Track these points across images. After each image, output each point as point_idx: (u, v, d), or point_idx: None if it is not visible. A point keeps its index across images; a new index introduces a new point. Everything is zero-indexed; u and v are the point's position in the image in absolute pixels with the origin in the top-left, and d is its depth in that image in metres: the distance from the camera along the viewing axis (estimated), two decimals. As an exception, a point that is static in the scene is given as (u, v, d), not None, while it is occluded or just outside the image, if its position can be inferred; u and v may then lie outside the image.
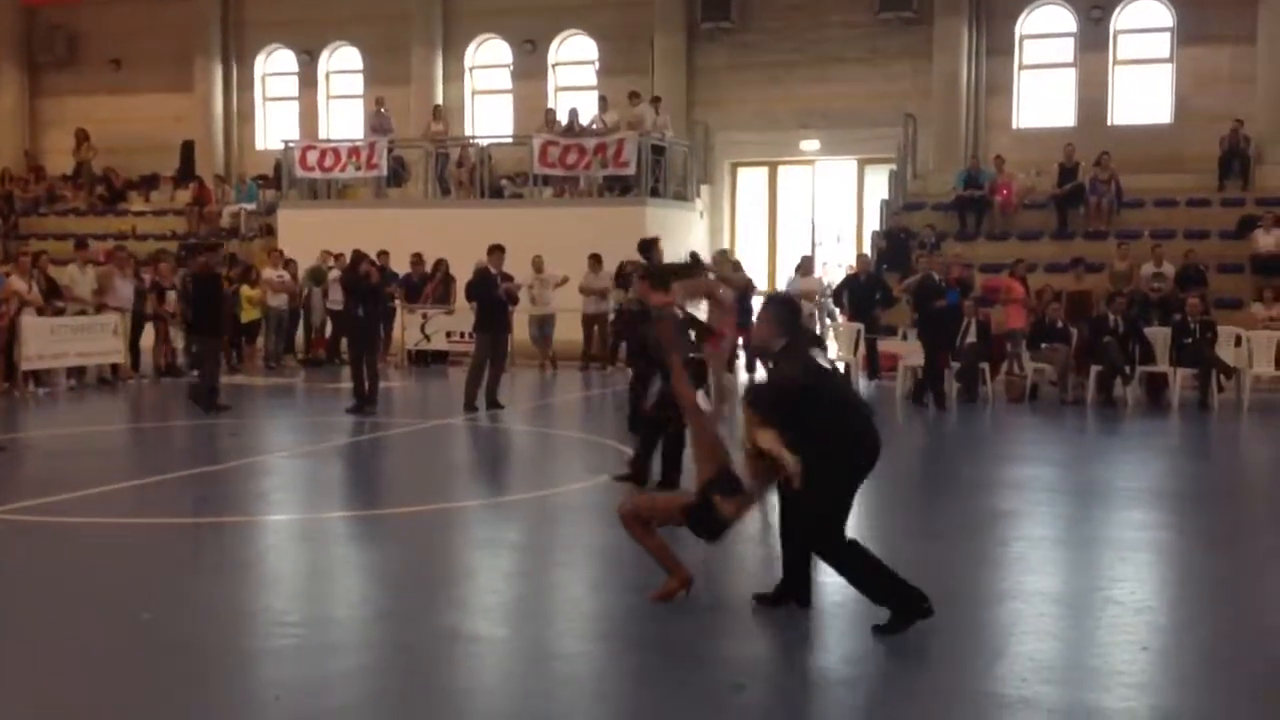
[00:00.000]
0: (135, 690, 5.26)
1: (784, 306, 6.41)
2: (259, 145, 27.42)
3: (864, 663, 5.76)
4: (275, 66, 27.68)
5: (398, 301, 20.68)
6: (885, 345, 17.86)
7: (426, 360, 20.85)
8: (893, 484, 10.93)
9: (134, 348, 18.02)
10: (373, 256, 15.09)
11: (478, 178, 23.10)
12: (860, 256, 20.01)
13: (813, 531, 6.14)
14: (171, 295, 18.49)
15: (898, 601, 6.00)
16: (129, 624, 6.25)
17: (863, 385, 17.67)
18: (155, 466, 11.02)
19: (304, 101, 27.15)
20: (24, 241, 24.06)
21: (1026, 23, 23.02)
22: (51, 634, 6.10)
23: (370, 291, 14.34)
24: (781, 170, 24.76)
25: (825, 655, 5.77)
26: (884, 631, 5.94)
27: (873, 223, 22.87)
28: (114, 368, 17.47)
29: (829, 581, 7.10)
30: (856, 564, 6.10)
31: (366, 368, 14.25)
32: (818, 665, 5.60)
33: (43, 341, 16.29)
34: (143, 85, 27.53)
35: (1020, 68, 23.08)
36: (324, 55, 27.02)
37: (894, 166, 22.66)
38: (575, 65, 25.59)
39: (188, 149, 27.34)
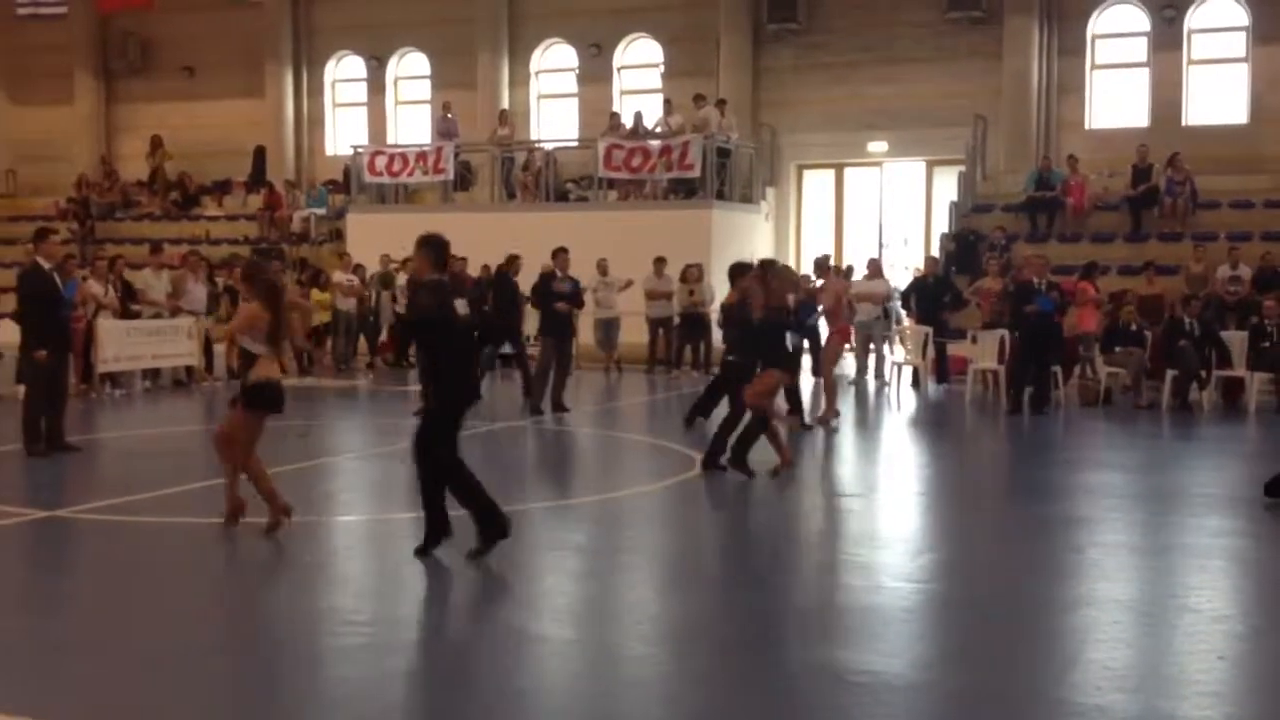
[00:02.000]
0: (204, 688, 5.32)
1: (438, 247, 7.39)
2: (329, 151, 27.74)
3: (934, 668, 5.70)
4: (345, 72, 27.99)
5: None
6: (955, 349, 17.67)
7: (492, 364, 20.94)
8: (966, 489, 10.84)
9: (208, 350, 18.30)
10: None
11: (543, 181, 23.19)
12: (929, 259, 19.81)
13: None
14: (243, 299, 18.75)
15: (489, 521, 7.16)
16: (199, 622, 6.33)
17: (931, 389, 17.51)
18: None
19: (373, 107, 27.43)
20: (100, 246, 24.54)
21: (1098, 22, 22.68)
22: (122, 631, 6.19)
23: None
24: (848, 172, 24.60)
25: (895, 660, 5.71)
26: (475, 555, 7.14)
27: (941, 225, 22.64)
28: (188, 370, 17.75)
29: (899, 587, 7.04)
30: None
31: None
32: (887, 669, 5.54)
33: (119, 344, 16.59)
34: (215, 91, 27.97)
35: (1092, 67, 22.75)
36: (392, 61, 27.28)
37: (963, 168, 22.42)
38: (640, 68, 25.61)
39: (259, 154, 27.72)
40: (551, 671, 5.67)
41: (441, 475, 7.29)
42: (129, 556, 7.70)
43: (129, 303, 17.31)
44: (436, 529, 7.44)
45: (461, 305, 7.35)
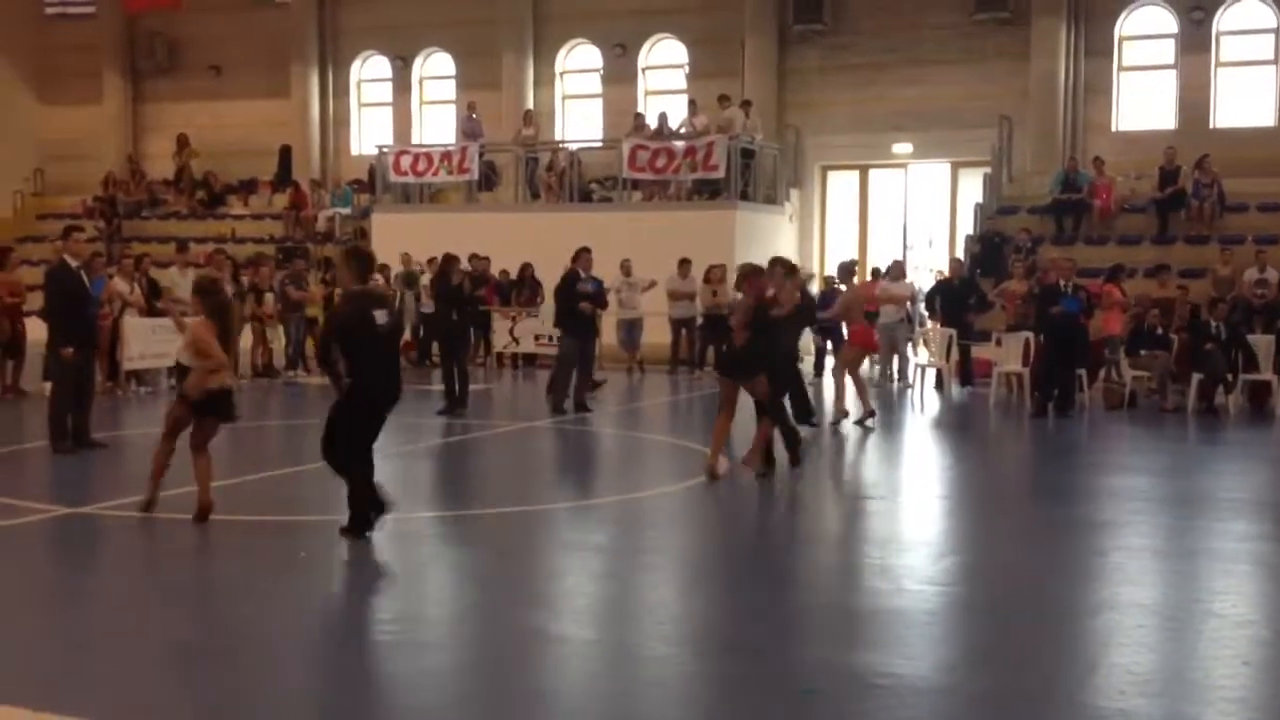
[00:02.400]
0: (229, 684, 5.34)
1: (362, 260, 8.12)
2: (354, 150, 27.84)
3: (957, 671, 5.68)
4: (370, 73, 28.09)
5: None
6: (979, 351, 17.60)
7: (515, 363, 21.01)
8: (989, 492, 10.80)
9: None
10: (465, 261, 15.28)
11: (567, 182, 23.22)
12: (953, 261, 19.75)
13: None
14: (269, 298, 18.86)
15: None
16: (222, 619, 6.36)
17: (955, 391, 17.44)
18: (250, 465, 11.22)
19: (398, 107, 27.51)
20: (127, 244, 24.72)
21: (1126, 24, 22.55)
22: (146, 628, 6.23)
23: (461, 295, 14.48)
24: (873, 173, 24.53)
25: (917, 663, 5.68)
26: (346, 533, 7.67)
27: (966, 226, 22.55)
28: (213, 368, 17.81)
29: (921, 590, 7.01)
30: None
31: (457, 370, 14.42)
32: (910, 672, 5.52)
33: (144, 342, 16.68)
34: (242, 91, 28.10)
35: (1120, 69, 22.62)
36: (417, 61, 27.36)
37: (989, 169, 22.33)
38: (665, 69, 25.61)
39: (285, 154, 27.84)
40: (572, 672, 5.67)
41: (347, 461, 7.85)
42: (153, 553, 7.75)
43: (154, 301, 17.41)
44: (375, 507, 7.90)
45: (381, 315, 7.90)
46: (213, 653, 5.82)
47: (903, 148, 23.55)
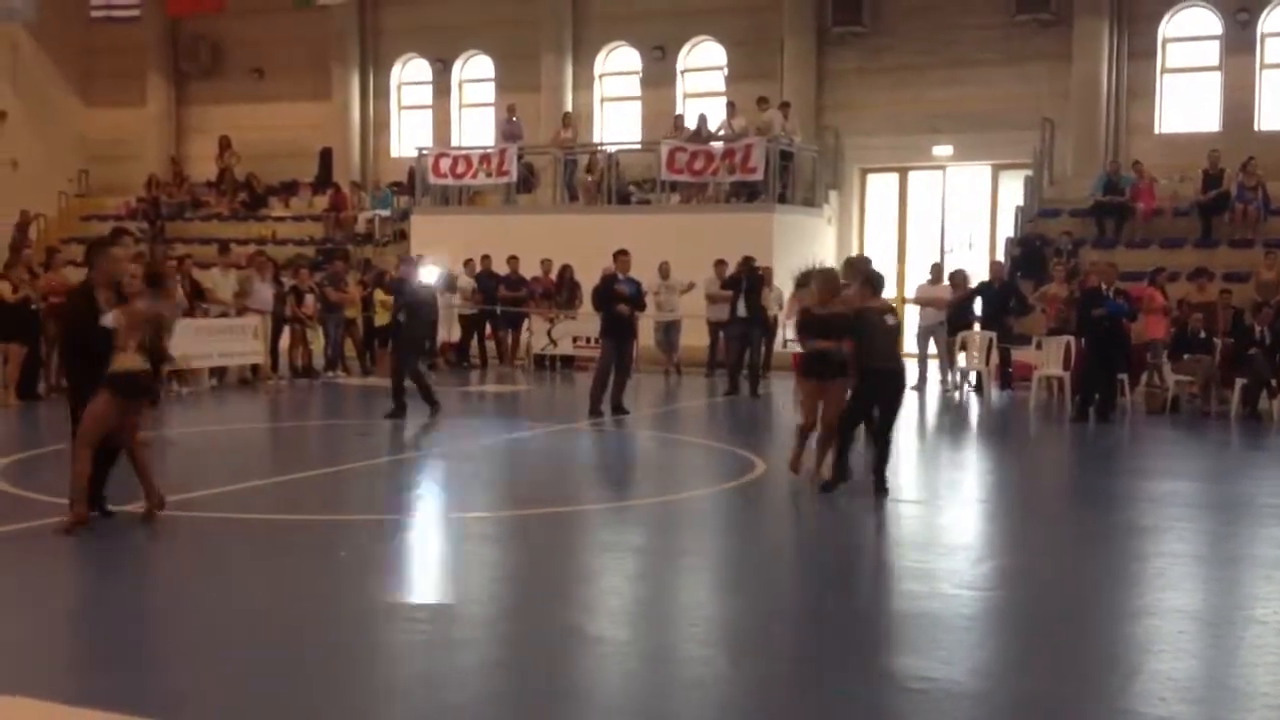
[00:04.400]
0: (266, 682, 5.39)
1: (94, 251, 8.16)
2: (394, 152, 27.99)
3: (995, 676, 5.65)
4: (410, 75, 28.24)
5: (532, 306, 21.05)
6: (1019, 355, 17.47)
7: (553, 365, 21.06)
8: (1029, 496, 10.72)
9: (273, 349, 18.56)
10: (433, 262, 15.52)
11: (606, 184, 23.26)
12: (994, 264, 19.63)
13: None
14: (309, 299, 19.01)
15: None
16: (260, 617, 6.42)
17: (995, 395, 17.34)
18: (290, 464, 11.32)
19: (437, 109, 27.65)
20: (170, 245, 24.96)
21: (1169, 25, 22.32)
22: (184, 625, 6.29)
23: (415, 297, 14.34)
24: (912, 175, 24.40)
25: (954, 668, 5.65)
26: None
27: (1007, 229, 22.40)
28: (254, 368, 18.00)
29: (959, 594, 6.98)
30: None
31: (410, 375, 14.03)
32: (947, 677, 5.49)
33: (187, 342, 16.81)
34: (283, 94, 28.32)
35: (1163, 71, 22.40)
36: (457, 64, 27.47)
37: (1029, 172, 22.17)
38: (704, 71, 25.59)
39: (326, 156, 28.04)
40: (608, 672, 5.68)
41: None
42: (194, 552, 7.82)
43: (197, 301, 17.58)
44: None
45: (109, 319, 7.94)
46: (248, 646, 5.87)
47: (942, 150, 23.42)
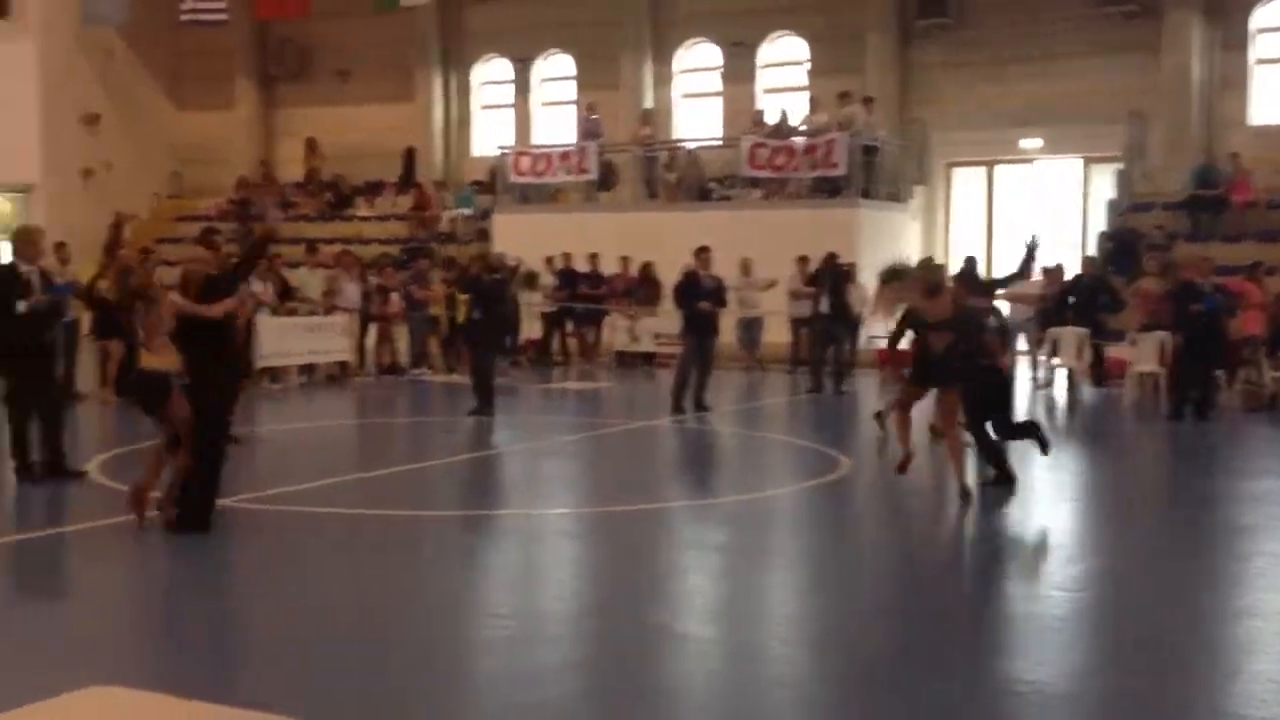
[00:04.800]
0: (351, 676, 5.42)
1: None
2: (475, 152, 28.20)
3: (1090, 677, 5.51)
4: (491, 75, 28.43)
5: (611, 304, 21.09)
6: (1113, 351, 17.12)
7: (634, 362, 21.07)
8: (1124, 495, 10.49)
9: (360, 347, 18.77)
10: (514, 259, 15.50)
11: (686, 181, 23.20)
12: (1085, 259, 19.25)
13: None
14: (394, 297, 19.21)
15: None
16: (344, 612, 6.48)
17: (1089, 393, 17.00)
18: (375, 460, 11.43)
19: (518, 108, 27.81)
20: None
21: (1261, 16, 21.74)
22: (270, 618, 6.37)
23: (490, 293, 14.41)
24: (1000, 170, 24.04)
25: (1048, 668, 5.53)
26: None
27: (1098, 224, 21.97)
28: (342, 365, 18.24)
29: (1052, 595, 6.84)
30: None
31: (477, 368, 14.11)
32: (1040, 678, 5.37)
33: (276, 340, 17.13)
34: (368, 95, 28.66)
35: (1256, 62, 21.82)
36: (537, 62, 27.61)
37: (1120, 165, 21.72)
38: (785, 66, 25.44)
39: (409, 156, 28.34)
40: (693, 670, 5.64)
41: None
42: (283, 546, 7.91)
43: (286, 300, 17.85)
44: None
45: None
46: (332, 640, 5.93)
47: (1031, 143, 23.03)
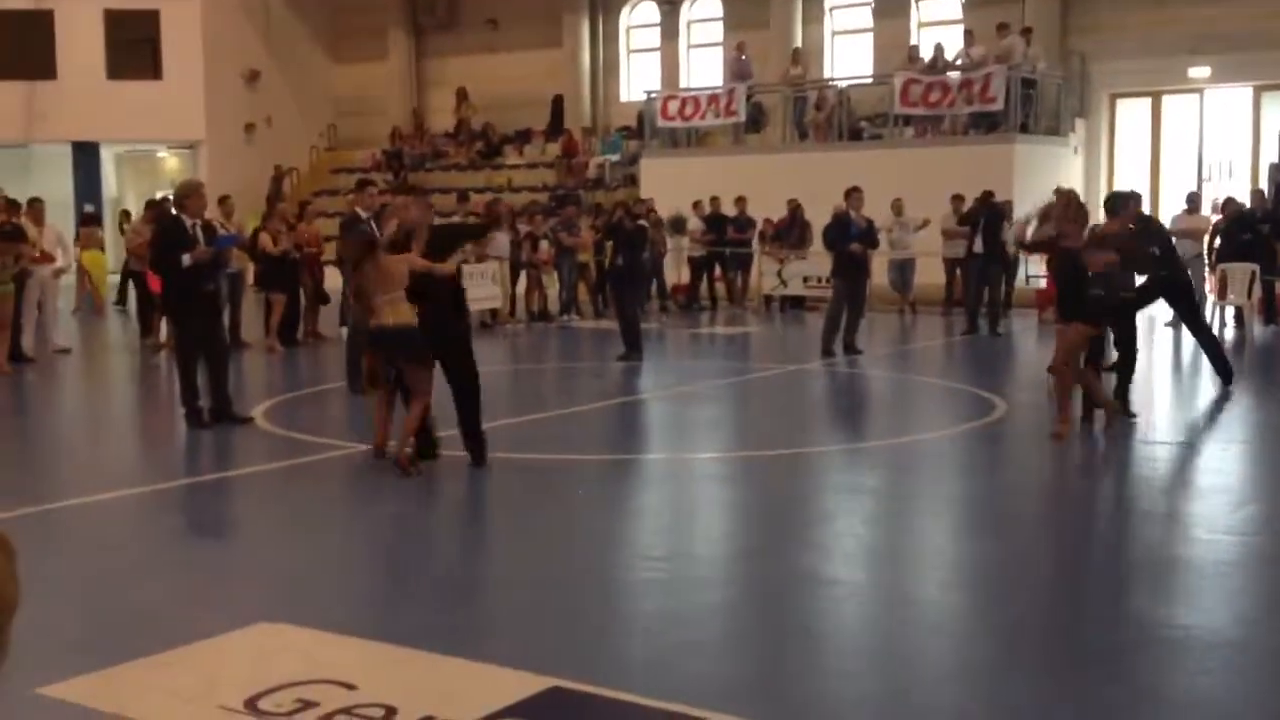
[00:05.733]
0: (509, 618, 5.54)
1: None
2: (623, 97, 28.17)
3: (1256, 624, 5.31)
4: (639, 18, 28.30)
5: (755, 247, 20.95)
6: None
7: (783, 306, 20.91)
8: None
9: (510, 294, 19.04)
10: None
11: (836, 120, 22.82)
12: (1254, 192, 18.36)
13: None
14: (544, 244, 19.40)
15: None
16: (500, 554, 6.61)
17: (1258, 330, 16.29)
18: (529, 406, 11.61)
19: (666, 51, 27.64)
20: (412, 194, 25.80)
21: None
22: (433, 562, 6.53)
23: (632, 239, 14.33)
24: (1166, 100, 23.03)
25: (1210, 614, 5.35)
26: None
27: (1270, 155, 20.90)
28: (493, 313, 18.53)
29: (1217, 539, 6.61)
30: None
31: (622, 312, 14.14)
32: (1202, 624, 5.20)
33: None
34: (516, 43, 28.84)
35: None
36: (685, 5, 27.37)
37: (1294, 92, 20.59)
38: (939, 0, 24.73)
39: (557, 103, 28.47)
40: (846, 614, 5.61)
41: None
42: (439, 489, 8.11)
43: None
44: None
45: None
46: (490, 582, 6.06)
47: (1199, 71, 21.98)
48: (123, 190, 30.44)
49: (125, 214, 24.65)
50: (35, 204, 15.39)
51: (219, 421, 9.95)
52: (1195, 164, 22.58)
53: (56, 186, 25.34)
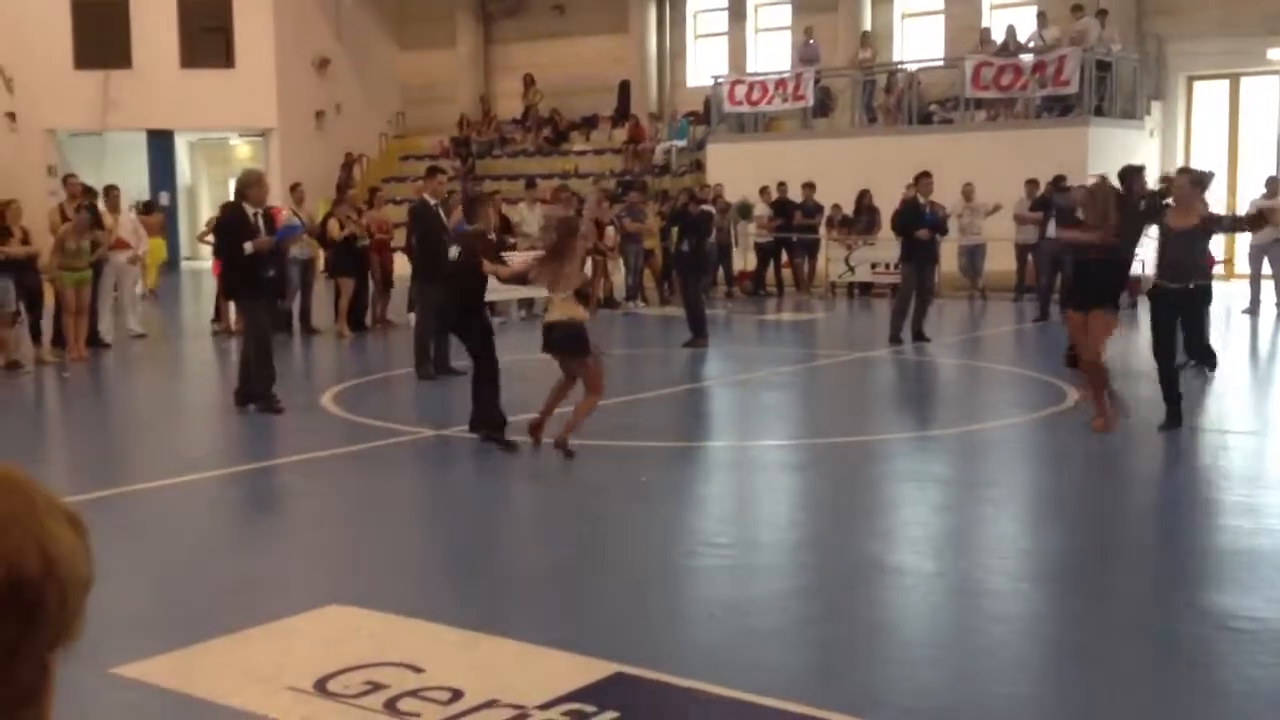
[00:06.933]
0: (576, 602, 5.56)
1: None
2: (690, 83, 28.06)
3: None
4: (705, 3, 28.16)
5: (823, 232, 20.81)
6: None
7: (850, 292, 20.76)
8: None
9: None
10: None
11: (906, 104, 22.58)
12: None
13: None
14: (610, 231, 19.40)
15: None
16: (563, 540, 6.63)
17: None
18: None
19: (733, 36, 27.49)
20: (480, 182, 25.99)
21: None
22: (501, 548, 6.58)
23: (696, 225, 14.30)
24: (1245, 82, 22.51)
25: (1276, 605, 5.24)
26: None
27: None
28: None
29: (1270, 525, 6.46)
30: None
31: (688, 297, 14.16)
32: (1274, 616, 5.11)
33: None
34: (583, 29, 28.84)
35: None
36: (752, -10, 27.22)
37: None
38: (1013, -19, 24.35)
39: (624, 89, 28.43)
40: (912, 602, 5.56)
41: None
42: (505, 473, 8.15)
43: (506, 236, 18.22)
44: None
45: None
46: (558, 568, 6.08)
47: (1278, 53, 21.45)
48: (196, 178, 30.93)
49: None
50: (111, 191, 15.67)
51: (249, 402, 10.01)
52: (1275, 147, 22.04)
53: (131, 174, 25.80)
